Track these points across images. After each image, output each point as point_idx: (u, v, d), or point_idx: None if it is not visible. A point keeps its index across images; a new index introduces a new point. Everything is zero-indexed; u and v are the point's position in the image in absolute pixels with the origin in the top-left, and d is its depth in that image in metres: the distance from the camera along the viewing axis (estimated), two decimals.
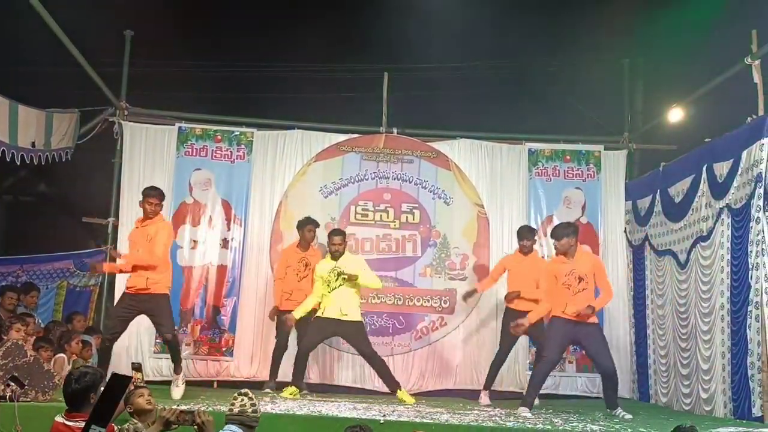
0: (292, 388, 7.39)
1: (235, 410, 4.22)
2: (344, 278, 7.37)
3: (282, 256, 8.48)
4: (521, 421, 6.33)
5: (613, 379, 7.16)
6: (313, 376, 8.76)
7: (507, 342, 7.95)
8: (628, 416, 6.84)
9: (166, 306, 7.01)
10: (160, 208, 7.06)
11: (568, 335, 7.08)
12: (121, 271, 7.33)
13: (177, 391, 7.04)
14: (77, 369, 4.28)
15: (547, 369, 7.14)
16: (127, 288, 6.96)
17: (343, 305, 7.40)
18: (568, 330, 7.01)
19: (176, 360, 7.15)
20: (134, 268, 6.88)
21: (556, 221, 9.22)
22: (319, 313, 7.51)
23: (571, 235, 7.15)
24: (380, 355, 8.54)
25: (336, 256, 7.55)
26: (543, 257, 8.74)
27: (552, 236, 7.40)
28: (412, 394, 7.99)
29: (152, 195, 7.01)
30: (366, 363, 8.64)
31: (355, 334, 7.51)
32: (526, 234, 8.10)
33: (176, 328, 8.72)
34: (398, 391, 7.52)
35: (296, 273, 8.15)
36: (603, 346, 7.17)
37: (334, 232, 7.78)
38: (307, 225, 8.25)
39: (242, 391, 4.36)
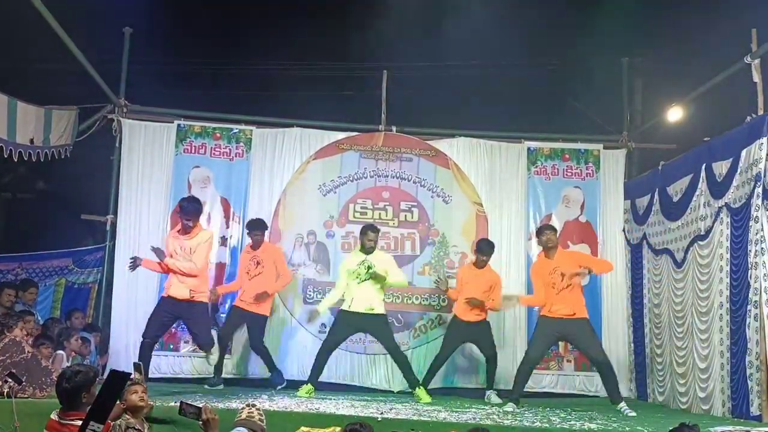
0: (309, 386, 7.56)
1: (243, 416, 4.35)
2: (372, 274, 7.55)
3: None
4: (519, 418, 6.33)
5: (609, 370, 7.31)
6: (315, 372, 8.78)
7: (449, 347, 8.21)
8: (632, 413, 6.92)
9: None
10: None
11: (554, 333, 7.35)
12: None
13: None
14: (69, 368, 4.29)
15: (526, 367, 7.39)
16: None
17: (371, 299, 7.61)
18: (554, 328, 7.27)
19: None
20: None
21: (554, 220, 9.27)
22: (345, 307, 7.66)
23: (549, 232, 7.43)
24: (379, 353, 8.58)
25: (368, 251, 7.70)
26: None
27: (537, 234, 7.72)
28: (410, 392, 8.01)
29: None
30: (363, 361, 8.74)
31: (381, 327, 7.72)
32: (484, 249, 8.24)
33: (176, 326, 8.77)
34: (417, 388, 7.65)
35: (247, 272, 8.33)
36: (592, 339, 7.39)
37: (371, 228, 7.86)
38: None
39: (251, 402, 4.64)
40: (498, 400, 7.92)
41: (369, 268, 7.60)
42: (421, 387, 7.67)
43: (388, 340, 7.71)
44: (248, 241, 8.51)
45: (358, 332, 8.08)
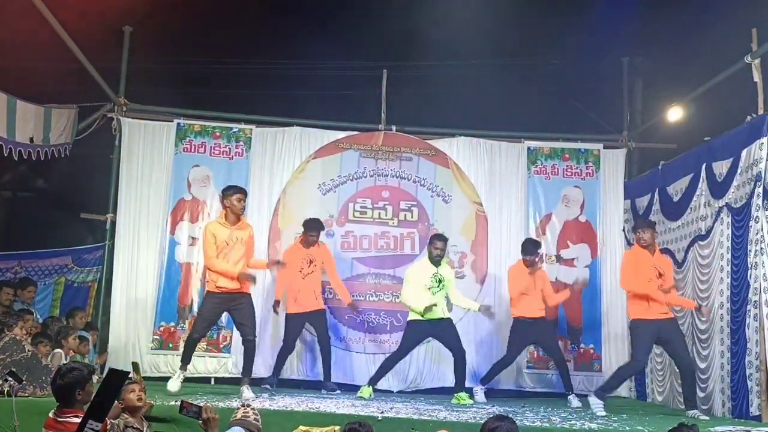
0: (369, 388, 7.62)
1: (238, 416, 4.35)
2: (443, 287, 7.74)
3: (285, 256, 8.42)
4: (519, 418, 6.31)
5: (693, 374, 7.10)
6: (310, 373, 8.78)
7: (515, 350, 8.05)
8: (704, 417, 6.72)
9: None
10: None
11: (654, 336, 7.04)
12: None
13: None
14: (65, 365, 4.29)
15: (632, 371, 7.31)
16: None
17: (444, 305, 7.78)
18: (653, 330, 6.99)
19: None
20: None
21: (554, 220, 9.30)
22: (416, 317, 7.66)
23: (651, 229, 7.21)
24: (378, 353, 8.59)
25: (435, 260, 7.74)
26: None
27: (637, 228, 7.35)
28: (410, 392, 8.01)
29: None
30: (363, 361, 8.73)
31: (451, 329, 7.79)
32: (529, 248, 8.08)
33: (175, 324, 8.78)
34: (461, 391, 7.65)
35: (300, 270, 8.13)
36: (684, 340, 7.26)
37: (438, 238, 7.90)
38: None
39: (246, 403, 4.69)
40: (578, 404, 7.67)
41: (440, 281, 7.71)
42: (478, 387, 7.84)
43: (456, 341, 7.77)
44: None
45: (427, 338, 8.11)
